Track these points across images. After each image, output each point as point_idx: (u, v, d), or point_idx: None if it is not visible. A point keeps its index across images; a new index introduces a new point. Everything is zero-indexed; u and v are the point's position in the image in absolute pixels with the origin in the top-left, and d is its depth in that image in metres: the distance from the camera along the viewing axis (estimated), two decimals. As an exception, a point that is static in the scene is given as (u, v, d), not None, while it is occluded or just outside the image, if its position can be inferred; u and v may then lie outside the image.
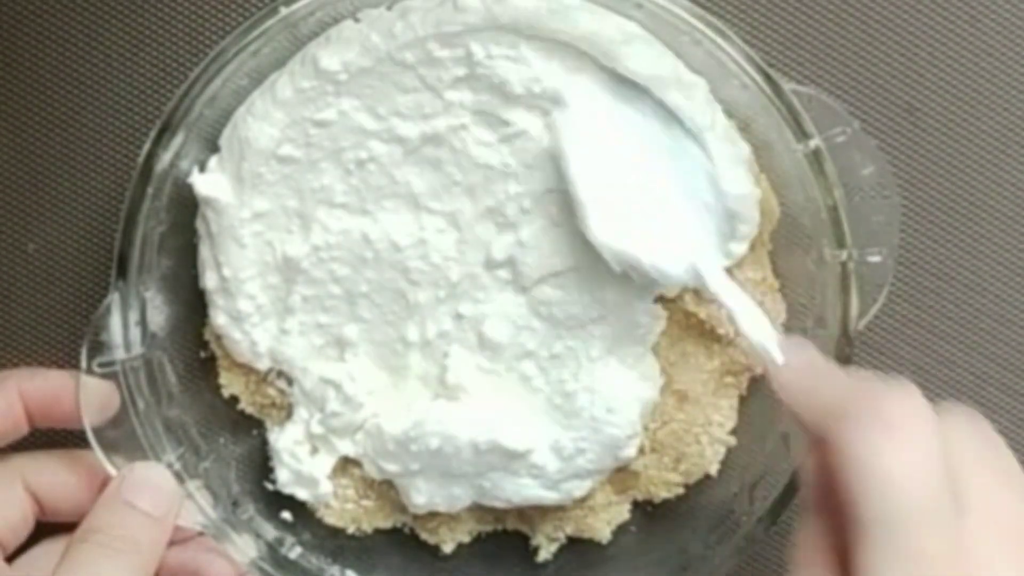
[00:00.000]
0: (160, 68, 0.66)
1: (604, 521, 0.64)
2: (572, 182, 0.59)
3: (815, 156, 0.58)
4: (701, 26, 0.58)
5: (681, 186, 0.60)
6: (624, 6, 0.59)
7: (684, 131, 0.59)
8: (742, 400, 0.64)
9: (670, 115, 0.59)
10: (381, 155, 0.60)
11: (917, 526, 0.45)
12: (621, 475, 0.64)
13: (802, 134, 0.58)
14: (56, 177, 0.66)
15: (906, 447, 0.46)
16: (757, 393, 0.64)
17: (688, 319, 0.63)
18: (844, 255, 0.58)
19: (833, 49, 0.66)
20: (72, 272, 0.67)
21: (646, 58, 0.59)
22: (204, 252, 0.62)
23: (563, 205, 0.60)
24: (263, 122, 0.59)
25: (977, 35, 0.66)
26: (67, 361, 0.65)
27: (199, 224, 0.62)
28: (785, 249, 0.63)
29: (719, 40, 0.58)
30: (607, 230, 0.59)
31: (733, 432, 0.64)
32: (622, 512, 0.64)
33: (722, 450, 0.64)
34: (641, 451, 0.63)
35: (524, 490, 0.62)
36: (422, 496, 0.62)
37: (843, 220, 0.58)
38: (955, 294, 0.66)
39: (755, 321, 0.57)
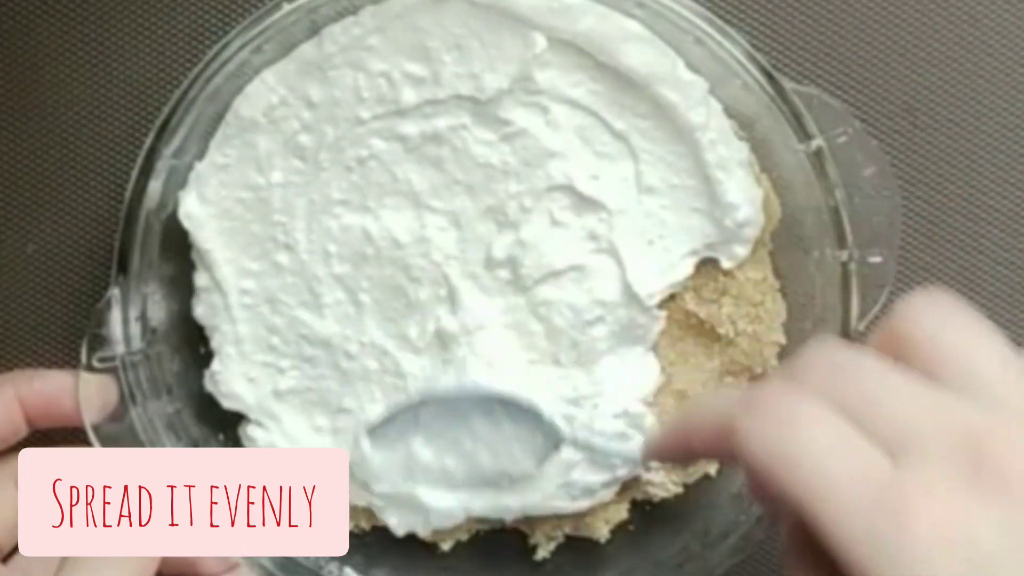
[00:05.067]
0: (160, 68, 0.66)
1: (603, 520, 0.64)
2: None
3: (817, 156, 0.58)
4: (704, 25, 0.58)
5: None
6: (626, 5, 0.59)
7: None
8: (742, 400, 0.64)
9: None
10: (382, 152, 0.61)
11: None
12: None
13: (804, 134, 0.59)
14: (56, 179, 0.66)
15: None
16: (757, 393, 0.64)
17: (688, 319, 0.63)
18: (845, 256, 0.58)
19: (833, 49, 0.66)
20: (71, 274, 0.67)
21: (643, 56, 0.59)
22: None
23: (563, 204, 0.61)
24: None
25: (977, 35, 0.66)
26: (67, 362, 0.65)
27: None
28: (786, 249, 0.62)
29: (722, 40, 0.59)
30: None
31: (732, 432, 0.64)
32: (620, 511, 0.64)
33: (721, 449, 0.64)
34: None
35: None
36: (400, 528, 0.63)
37: (844, 221, 0.59)
38: (955, 294, 0.66)
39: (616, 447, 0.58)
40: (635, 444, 0.54)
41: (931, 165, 0.66)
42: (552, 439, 0.59)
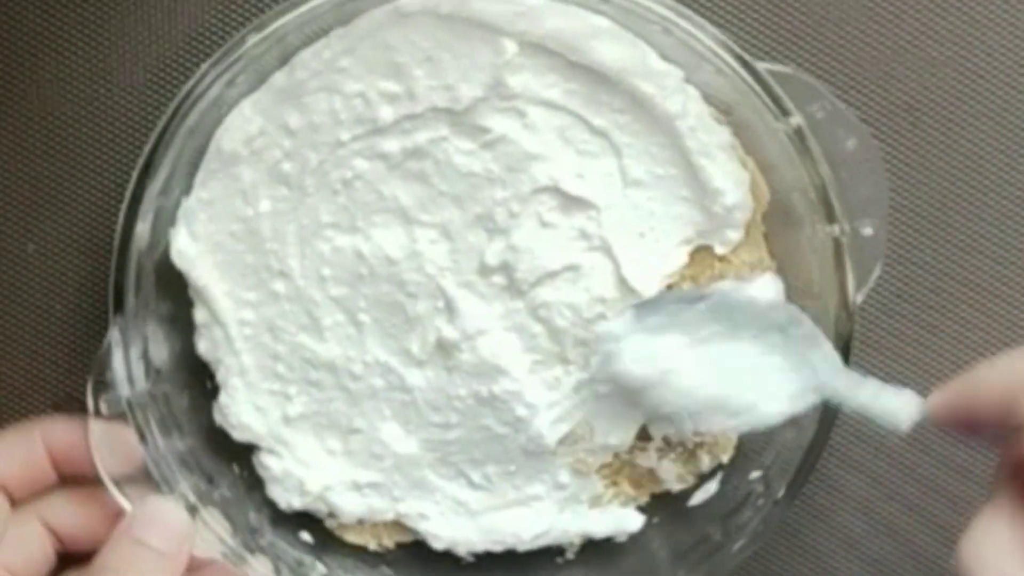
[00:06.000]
0: (159, 70, 0.66)
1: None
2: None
3: (797, 134, 0.58)
4: (669, 14, 0.58)
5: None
6: (592, 2, 0.59)
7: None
8: (752, 386, 0.64)
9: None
10: (366, 172, 0.61)
11: None
12: (637, 472, 0.64)
13: (781, 113, 0.58)
14: (56, 178, 0.67)
15: None
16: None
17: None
18: (836, 230, 0.58)
19: (833, 49, 0.66)
20: (72, 273, 0.67)
21: (614, 50, 0.59)
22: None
23: (551, 205, 0.61)
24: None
25: (977, 35, 0.65)
26: (66, 361, 0.66)
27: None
28: (778, 229, 0.62)
29: (689, 27, 0.58)
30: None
31: (743, 418, 0.64)
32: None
33: (734, 438, 0.64)
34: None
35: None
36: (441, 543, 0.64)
37: (831, 195, 0.58)
38: (954, 292, 0.66)
39: (890, 398, 0.53)
40: (907, 407, 0.51)
41: (931, 165, 0.66)
42: (809, 384, 0.57)
